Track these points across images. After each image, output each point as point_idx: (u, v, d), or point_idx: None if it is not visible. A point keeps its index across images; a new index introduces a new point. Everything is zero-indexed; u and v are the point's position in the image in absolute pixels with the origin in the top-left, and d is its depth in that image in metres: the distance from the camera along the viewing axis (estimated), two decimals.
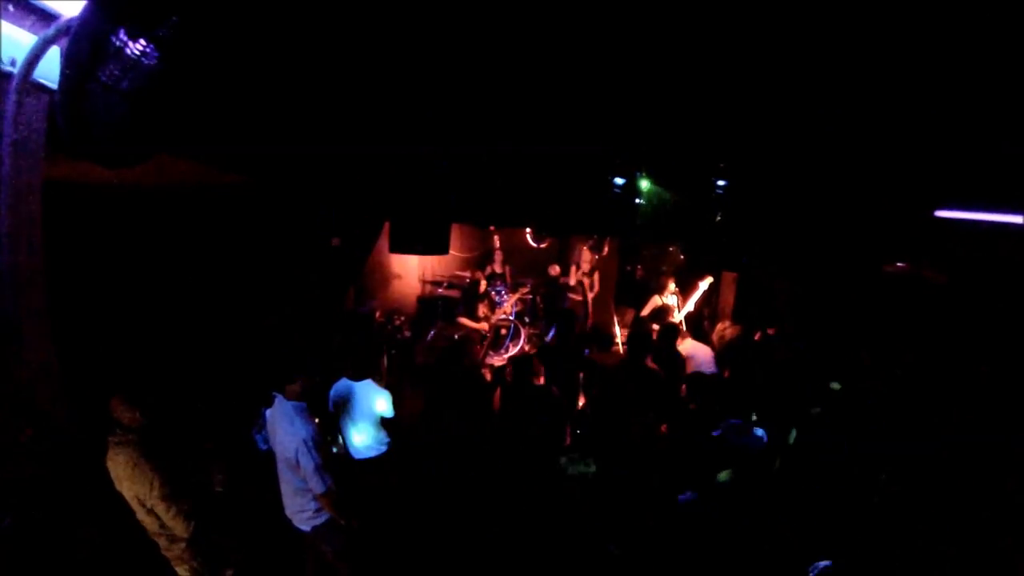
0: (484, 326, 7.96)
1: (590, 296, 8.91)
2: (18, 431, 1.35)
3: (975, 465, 3.20)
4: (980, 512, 2.66)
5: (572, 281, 8.88)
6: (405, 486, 3.49)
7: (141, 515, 2.97)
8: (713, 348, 6.15)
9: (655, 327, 6.05)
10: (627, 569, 2.55)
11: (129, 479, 2.85)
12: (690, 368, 5.51)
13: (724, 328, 6.34)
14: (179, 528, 2.98)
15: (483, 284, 8.39)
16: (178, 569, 3.15)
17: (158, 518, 2.97)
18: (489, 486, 3.15)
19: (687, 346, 5.96)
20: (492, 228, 9.32)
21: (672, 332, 5.73)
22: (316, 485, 3.19)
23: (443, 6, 2.79)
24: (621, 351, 7.34)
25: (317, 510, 3.36)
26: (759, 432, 3.88)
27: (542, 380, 4.52)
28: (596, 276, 8.89)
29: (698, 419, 4.07)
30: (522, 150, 6.03)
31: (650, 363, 4.86)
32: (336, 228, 6.41)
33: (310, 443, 3.14)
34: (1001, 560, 2.47)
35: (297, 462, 3.17)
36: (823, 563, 2.40)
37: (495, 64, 3.66)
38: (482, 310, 8.03)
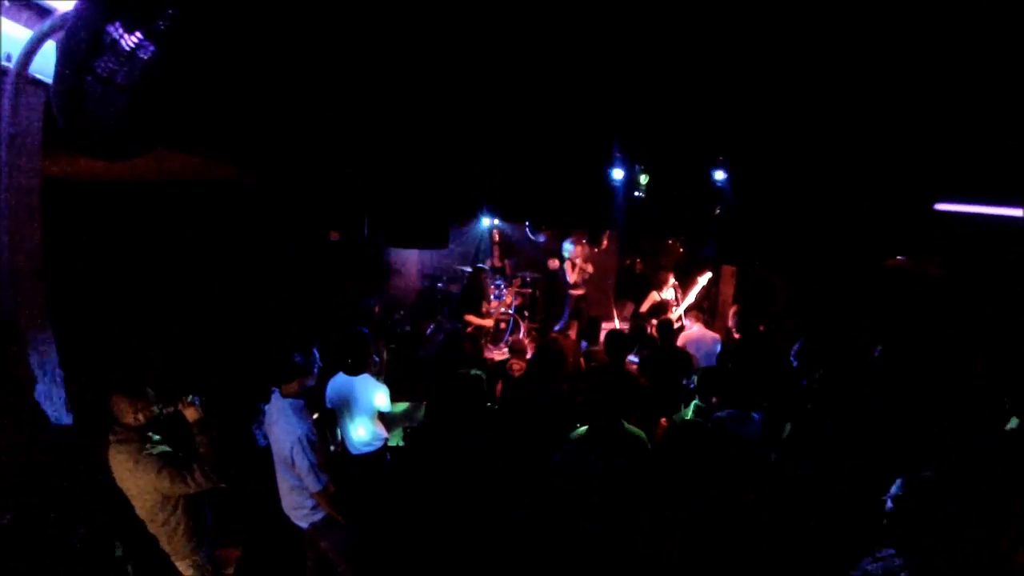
0: (489, 322, 7.94)
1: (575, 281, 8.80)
2: (18, 431, 1.34)
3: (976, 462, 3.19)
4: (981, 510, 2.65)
5: (573, 278, 8.80)
6: (405, 482, 3.49)
7: (143, 511, 2.96)
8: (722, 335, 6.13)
9: (653, 322, 6.04)
10: (627, 563, 2.55)
11: (131, 473, 2.84)
12: (693, 353, 5.49)
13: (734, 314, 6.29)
14: (207, 483, 2.96)
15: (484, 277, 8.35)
16: (179, 564, 3.15)
17: (169, 504, 2.97)
18: (490, 481, 3.15)
19: (695, 332, 5.95)
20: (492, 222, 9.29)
21: (669, 327, 5.71)
22: (311, 483, 3.18)
23: (441, 6, 2.78)
24: None
25: (314, 507, 3.35)
26: (757, 421, 3.89)
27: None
28: (577, 269, 8.77)
29: (700, 412, 4.07)
30: (521, 144, 6.01)
31: (630, 365, 4.84)
32: (335, 222, 6.39)
33: (305, 442, 3.13)
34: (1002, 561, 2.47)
35: (292, 460, 3.16)
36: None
37: (492, 56, 3.63)
38: (484, 305, 8.01)
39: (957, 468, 2.94)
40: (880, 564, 2.08)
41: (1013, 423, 3.64)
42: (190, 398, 3.09)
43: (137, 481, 2.87)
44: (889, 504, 2.19)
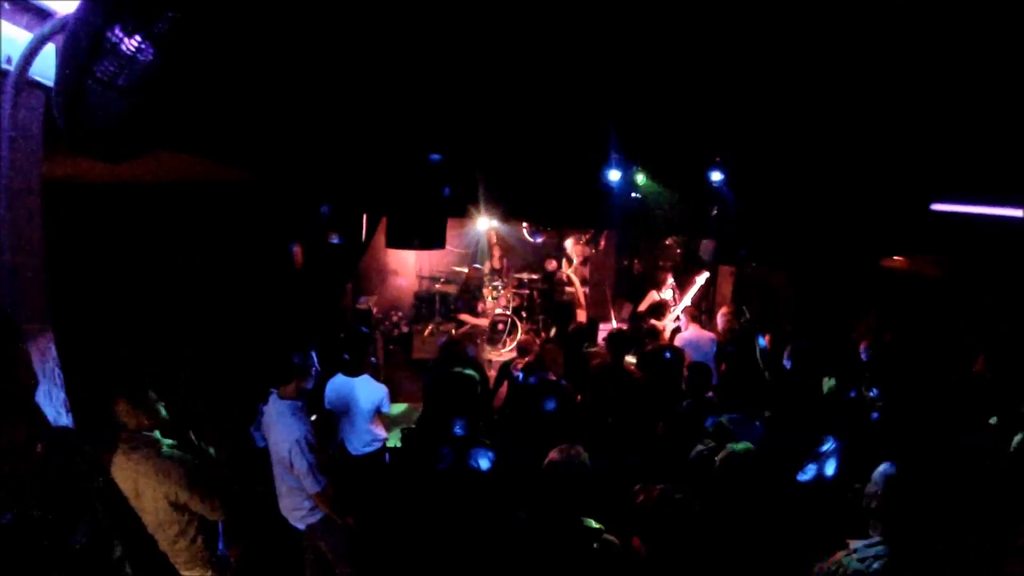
0: (484, 321, 7.96)
1: (582, 290, 8.88)
2: (18, 431, 1.35)
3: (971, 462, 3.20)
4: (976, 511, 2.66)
5: (565, 276, 8.84)
6: (405, 482, 3.50)
7: (152, 522, 2.81)
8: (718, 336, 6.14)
9: (652, 322, 6.05)
10: (626, 560, 2.56)
11: (149, 476, 2.73)
12: (690, 358, 5.50)
13: (725, 314, 6.30)
14: (214, 512, 2.88)
15: (482, 278, 8.39)
16: (183, 571, 3.08)
17: (186, 514, 2.86)
18: (490, 482, 3.15)
19: (690, 334, 5.95)
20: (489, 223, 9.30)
21: (654, 332, 5.73)
22: (310, 485, 3.19)
23: (440, 8, 2.79)
24: None
25: (311, 508, 3.36)
26: (759, 426, 3.89)
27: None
28: (587, 269, 8.85)
29: (693, 413, 4.08)
30: (518, 147, 6.03)
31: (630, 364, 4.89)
32: (334, 223, 6.40)
33: (303, 443, 3.13)
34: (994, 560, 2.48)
35: (291, 462, 3.17)
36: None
37: (489, 56, 3.65)
38: (480, 305, 8.03)
39: (958, 464, 2.95)
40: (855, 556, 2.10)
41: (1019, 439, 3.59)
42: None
43: (158, 486, 2.74)
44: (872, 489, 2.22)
